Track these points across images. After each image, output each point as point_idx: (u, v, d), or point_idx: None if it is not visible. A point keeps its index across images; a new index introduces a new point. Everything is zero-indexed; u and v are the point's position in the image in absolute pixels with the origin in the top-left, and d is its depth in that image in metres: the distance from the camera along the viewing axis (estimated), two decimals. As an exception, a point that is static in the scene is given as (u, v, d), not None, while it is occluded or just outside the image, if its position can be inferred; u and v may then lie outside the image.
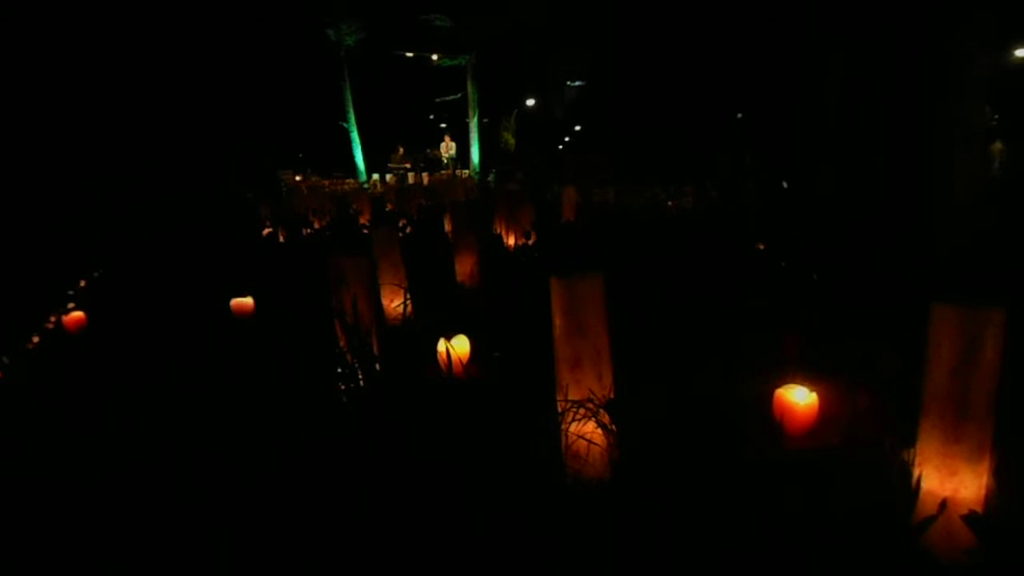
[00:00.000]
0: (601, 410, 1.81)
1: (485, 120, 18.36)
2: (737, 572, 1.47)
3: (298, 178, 15.74)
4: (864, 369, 2.32)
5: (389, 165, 17.03)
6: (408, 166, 16.69)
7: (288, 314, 3.45)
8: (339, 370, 2.46)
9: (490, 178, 16.32)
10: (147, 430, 2.38)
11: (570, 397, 1.83)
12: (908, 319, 1.88)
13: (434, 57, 17.59)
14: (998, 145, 9.48)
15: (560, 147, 25.82)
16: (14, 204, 8.34)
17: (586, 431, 1.82)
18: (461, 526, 1.68)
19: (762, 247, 4.58)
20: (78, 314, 3.68)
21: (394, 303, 3.41)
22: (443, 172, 16.81)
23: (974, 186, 3.93)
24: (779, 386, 2.04)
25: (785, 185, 7.43)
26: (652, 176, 10.89)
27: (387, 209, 8.85)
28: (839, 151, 4.77)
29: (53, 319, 3.85)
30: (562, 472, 1.86)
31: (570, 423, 1.82)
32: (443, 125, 21.08)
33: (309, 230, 7.35)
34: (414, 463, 1.94)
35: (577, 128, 26.52)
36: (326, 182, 15.76)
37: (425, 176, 15.52)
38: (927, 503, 1.49)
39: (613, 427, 1.81)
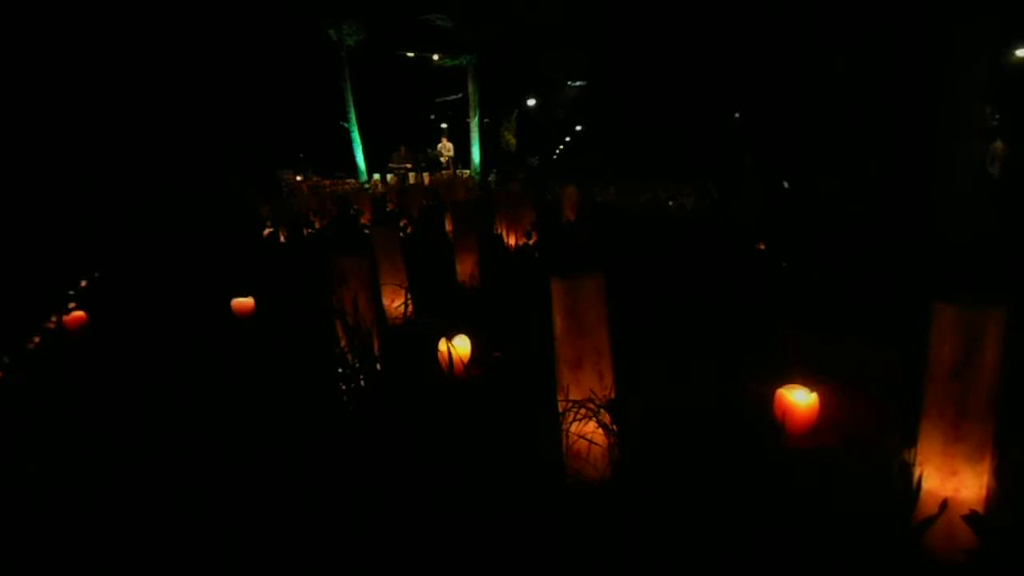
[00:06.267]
0: (602, 410, 1.81)
1: (486, 120, 18.35)
2: (738, 572, 1.47)
3: (299, 178, 15.74)
4: (864, 369, 2.32)
5: (390, 165, 17.02)
6: (409, 166, 16.68)
7: (289, 314, 3.46)
8: (340, 370, 2.46)
9: (491, 178, 16.31)
10: (148, 430, 2.39)
11: (571, 397, 1.83)
12: (908, 319, 1.88)
13: (435, 57, 17.58)
14: (999, 145, 9.45)
15: (560, 147, 25.82)
16: (14, 204, 8.34)
17: (587, 431, 1.82)
18: (462, 526, 1.69)
19: (763, 247, 4.58)
20: (79, 314, 3.69)
21: (395, 303, 3.41)
22: (444, 172, 16.80)
23: (974, 186, 3.93)
24: (779, 386, 2.04)
25: (785, 185, 7.43)
26: (653, 176, 10.90)
27: (388, 209, 8.85)
28: (839, 151, 4.77)
29: (54, 319, 3.86)
30: (563, 472, 1.86)
31: (571, 423, 1.82)
32: (444, 125, 21.08)
33: (310, 230, 7.35)
34: (415, 463, 1.94)
35: (577, 128, 26.52)
36: (327, 182, 15.75)
37: (426, 176, 15.52)
38: (928, 503, 1.50)
39: (614, 427, 1.81)
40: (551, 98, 23.40)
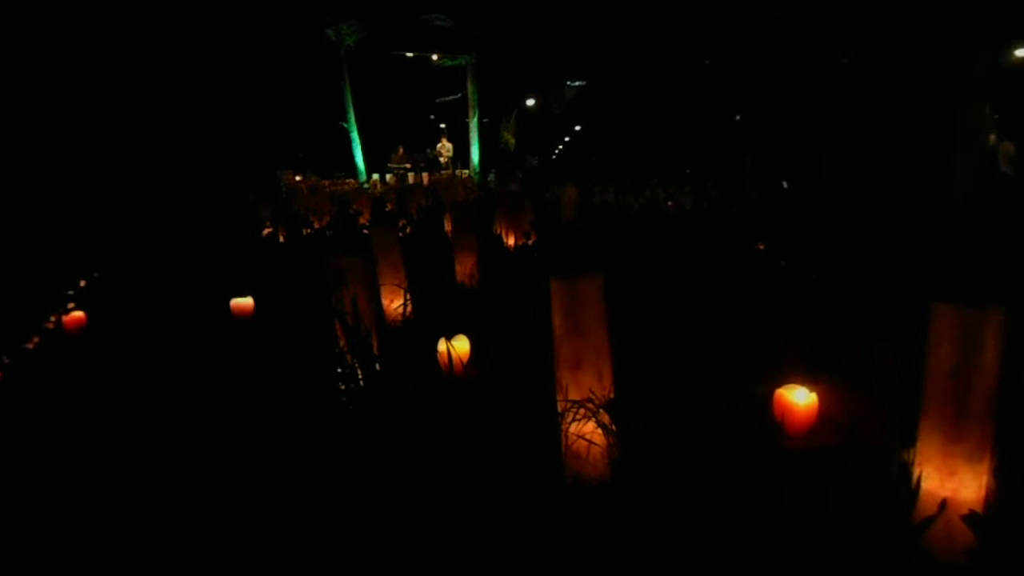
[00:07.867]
0: (601, 410, 1.81)
1: (485, 120, 18.35)
2: (737, 572, 1.47)
3: (298, 178, 15.75)
4: (864, 369, 2.32)
5: (389, 165, 17.03)
6: (408, 166, 16.69)
7: (288, 314, 3.45)
8: (339, 370, 2.46)
9: (490, 178, 16.31)
10: (147, 430, 2.38)
11: (570, 397, 1.83)
12: (908, 319, 1.88)
13: (434, 57, 17.57)
14: (1009, 146, 9.39)
15: (560, 147, 25.83)
16: (14, 204, 8.34)
17: (586, 431, 1.82)
18: (461, 526, 1.69)
19: (762, 247, 4.58)
20: (78, 314, 3.68)
21: (394, 303, 3.41)
22: (443, 172, 16.80)
23: (974, 186, 3.93)
24: (779, 386, 2.04)
25: (785, 185, 7.43)
26: (651, 176, 10.91)
27: (387, 209, 8.85)
28: (839, 151, 4.77)
29: (53, 319, 3.85)
30: (562, 472, 1.86)
31: (570, 423, 1.82)
32: (443, 126, 21.07)
33: (309, 230, 7.35)
34: (414, 463, 1.94)
35: (577, 128, 26.53)
36: (326, 182, 15.76)
37: (425, 176, 15.53)
38: (927, 503, 1.49)
39: (613, 427, 1.81)
40: (551, 98, 23.38)
